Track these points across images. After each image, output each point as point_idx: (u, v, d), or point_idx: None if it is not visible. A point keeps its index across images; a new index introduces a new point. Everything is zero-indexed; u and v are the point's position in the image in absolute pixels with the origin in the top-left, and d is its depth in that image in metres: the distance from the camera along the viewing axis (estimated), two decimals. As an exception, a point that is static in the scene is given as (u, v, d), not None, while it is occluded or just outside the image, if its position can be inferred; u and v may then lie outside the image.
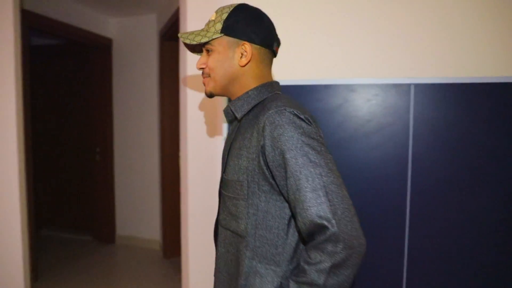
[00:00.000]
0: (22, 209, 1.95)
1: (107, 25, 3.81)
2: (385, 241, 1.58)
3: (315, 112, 1.63)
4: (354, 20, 1.67)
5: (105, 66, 3.82)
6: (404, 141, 1.56)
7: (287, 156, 0.79)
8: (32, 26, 2.98)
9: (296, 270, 0.83)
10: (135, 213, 3.91)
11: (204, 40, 0.94)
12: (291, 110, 0.82)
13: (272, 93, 0.96)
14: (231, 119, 1.01)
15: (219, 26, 0.93)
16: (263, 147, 0.83)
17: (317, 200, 0.75)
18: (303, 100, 1.64)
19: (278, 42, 1.01)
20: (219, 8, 0.98)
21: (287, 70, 1.73)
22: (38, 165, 4.22)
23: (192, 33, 0.98)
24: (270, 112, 0.83)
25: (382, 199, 1.58)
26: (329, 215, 0.74)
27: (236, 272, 0.92)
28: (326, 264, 0.74)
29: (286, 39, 1.72)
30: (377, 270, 1.59)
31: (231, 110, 0.98)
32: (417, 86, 1.55)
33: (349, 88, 1.60)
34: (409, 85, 1.56)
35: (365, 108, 1.59)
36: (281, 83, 1.66)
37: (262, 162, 0.85)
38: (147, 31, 3.72)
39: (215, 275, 1.02)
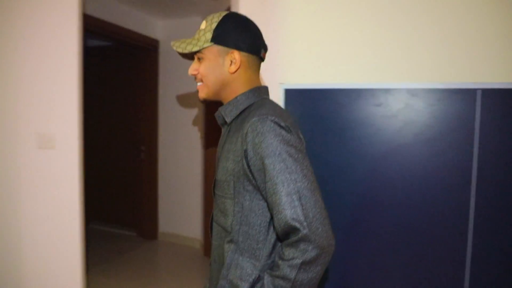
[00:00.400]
0: (80, 203, 2.03)
1: (154, 27, 3.91)
2: (445, 254, 1.52)
3: (371, 117, 1.59)
4: (414, 19, 1.61)
5: (152, 66, 3.92)
6: (468, 149, 1.49)
7: (266, 162, 0.86)
8: (87, 28, 3.10)
9: (272, 265, 0.94)
10: (178, 211, 3.98)
11: (195, 49, 1.00)
12: (273, 118, 0.89)
13: (259, 98, 1.03)
14: (222, 122, 1.08)
15: (209, 35, 0.99)
16: (245, 151, 0.91)
17: (291, 204, 0.83)
18: (359, 105, 1.60)
19: (265, 48, 1.07)
20: (208, 17, 1.04)
21: (339, 72, 1.70)
22: (88, 161, 4.40)
23: (183, 41, 1.05)
24: (253, 119, 0.90)
25: (443, 209, 1.51)
26: (301, 218, 0.82)
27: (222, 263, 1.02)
28: (298, 261, 0.83)
29: (337, 40, 1.69)
30: (437, 285, 1.53)
31: (222, 115, 1.05)
32: (485, 91, 1.47)
33: (411, 92, 1.55)
34: (475, 90, 1.48)
35: (426, 113, 1.53)
36: (332, 86, 1.62)
37: (245, 165, 0.92)
38: (193, 33, 3.78)
39: (210, 265, 1.11)
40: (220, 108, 1.05)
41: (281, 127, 0.89)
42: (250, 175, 0.92)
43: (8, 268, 1.87)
